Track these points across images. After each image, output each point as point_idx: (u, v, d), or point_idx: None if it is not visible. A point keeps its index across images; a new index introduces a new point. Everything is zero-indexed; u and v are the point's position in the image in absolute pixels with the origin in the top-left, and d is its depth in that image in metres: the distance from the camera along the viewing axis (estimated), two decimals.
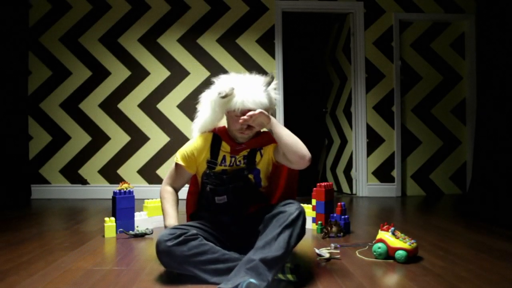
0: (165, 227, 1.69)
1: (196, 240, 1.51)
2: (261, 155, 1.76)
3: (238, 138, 1.71)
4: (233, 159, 1.74)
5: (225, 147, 1.74)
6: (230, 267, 1.46)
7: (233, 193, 1.72)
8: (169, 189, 1.80)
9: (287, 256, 1.46)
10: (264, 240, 1.46)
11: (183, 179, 1.80)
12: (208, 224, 1.71)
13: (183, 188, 1.84)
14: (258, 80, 1.68)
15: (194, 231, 1.55)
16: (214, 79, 1.74)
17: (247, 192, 1.74)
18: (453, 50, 4.46)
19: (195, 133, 1.80)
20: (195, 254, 1.48)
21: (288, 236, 1.47)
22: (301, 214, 1.54)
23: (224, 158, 1.74)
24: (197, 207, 1.85)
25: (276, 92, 1.74)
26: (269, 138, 1.77)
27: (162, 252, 1.48)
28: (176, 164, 1.77)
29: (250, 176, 1.75)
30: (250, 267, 1.37)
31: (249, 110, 1.59)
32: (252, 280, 1.30)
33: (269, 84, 1.67)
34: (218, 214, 1.75)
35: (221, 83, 1.67)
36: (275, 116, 1.72)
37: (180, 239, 1.48)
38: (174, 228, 1.54)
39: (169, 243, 1.47)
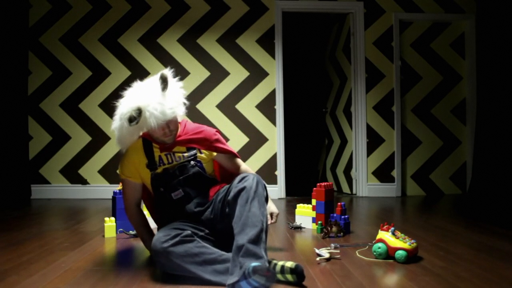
0: (148, 248, 1.82)
1: (192, 242, 1.52)
2: (200, 152, 1.81)
3: (165, 141, 1.74)
4: (169, 156, 1.76)
5: (156, 147, 1.77)
6: (228, 268, 1.46)
7: (186, 184, 1.73)
8: (132, 209, 1.82)
9: (266, 223, 1.51)
10: (239, 223, 1.48)
11: (136, 191, 1.81)
12: (188, 221, 1.72)
13: None
14: (156, 86, 1.66)
15: (188, 231, 1.56)
16: (116, 103, 1.74)
17: (199, 180, 1.76)
18: (453, 50, 4.46)
19: (122, 146, 1.79)
20: (192, 254, 1.48)
21: (258, 207, 1.51)
22: (259, 182, 1.58)
23: (160, 158, 1.75)
24: (158, 213, 1.86)
25: (178, 84, 1.75)
26: (198, 139, 1.80)
27: (159, 254, 1.48)
28: (122, 181, 1.80)
29: (195, 167, 1.76)
30: (243, 253, 1.39)
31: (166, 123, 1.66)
32: (253, 264, 1.32)
33: (165, 86, 1.66)
34: (182, 210, 1.73)
35: (125, 107, 1.65)
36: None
37: (177, 239, 1.49)
38: (169, 229, 1.55)
39: (166, 244, 1.47)
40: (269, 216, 1.86)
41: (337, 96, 4.83)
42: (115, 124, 1.72)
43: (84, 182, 4.11)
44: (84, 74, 4.12)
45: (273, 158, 4.19)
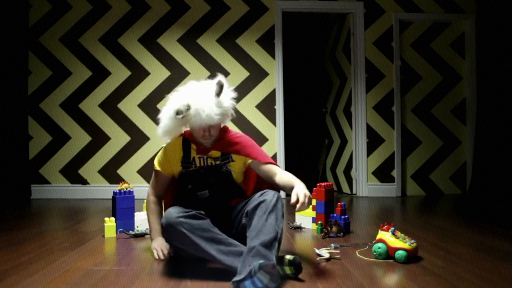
0: (152, 240, 1.89)
1: (204, 219, 1.61)
2: (233, 160, 1.85)
3: (203, 143, 1.81)
4: (202, 159, 1.83)
5: (194, 149, 1.84)
6: (232, 251, 1.55)
7: (214, 187, 1.81)
8: (153, 199, 1.91)
9: (280, 236, 1.55)
10: (255, 229, 1.52)
11: (163, 184, 1.90)
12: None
13: None
14: (210, 89, 1.72)
15: (202, 211, 1.65)
16: (169, 95, 1.80)
17: (227, 186, 1.83)
18: (453, 50, 4.46)
19: (163, 137, 1.85)
20: (202, 229, 1.57)
21: (274, 219, 1.55)
22: (279, 199, 1.63)
23: (193, 159, 1.83)
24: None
25: (231, 94, 1.80)
26: (234, 143, 1.85)
27: (172, 224, 1.57)
28: (155, 171, 1.89)
29: (226, 170, 1.83)
30: (253, 254, 1.43)
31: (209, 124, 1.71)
32: (261, 261, 1.34)
33: (219, 93, 1.72)
34: (202, 208, 1.77)
35: (177, 100, 1.73)
36: (229, 116, 1.84)
37: (191, 213, 1.59)
38: (182, 207, 1.64)
39: (180, 215, 1.57)
40: (294, 197, 1.55)
41: (337, 96, 4.83)
42: (164, 114, 1.77)
43: (84, 182, 4.11)
44: (84, 74, 4.12)
45: (273, 158, 4.19)
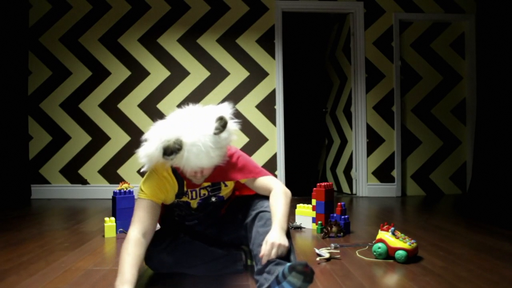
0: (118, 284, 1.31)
1: (184, 243, 1.57)
2: (225, 185, 1.64)
3: (192, 180, 1.53)
4: (194, 193, 1.60)
5: (185, 183, 1.58)
6: (218, 263, 1.58)
7: (203, 217, 1.68)
8: (135, 237, 1.39)
9: (292, 245, 1.44)
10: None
11: (154, 216, 1.48)
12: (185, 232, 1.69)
13: None
14: (208, 123, 1.39)
15: (181, 234, 1.61)
16: (155, 124, 1.46)
17: (215, 210, 1.69)
18: (453, 50, 4.46)
19: (149, 163, 1.48)
20: (184, 257, 1.55)
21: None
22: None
23: (186, 192, 1.60)
24: (164, 223, 1.76)
25: (233, 127, 1.49)
26: (226, 172, 1.57)
27: (154, 261, 1.54)
28: (143, 201, 1.47)
29: (216, 201, 1.67)
30: (275, 263, 1.31)
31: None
32: (289, 264, 1.22)
33: (220, 132, 1.39)
34: (190, 229, 1.70)
35: (168, 132, 1.38)
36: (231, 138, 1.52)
37: (171, 245, 1.55)
38: (161, 233, 1.59)
39: (160, 251, 1.53)
40: (263, 245, 1.35)
41: (337, 96, 4.83)
42: (150, 142, 1.42)
43: (84, 182, 4.11)
44: (84, 74, 4.12)
45: (273, 158, 4.19)
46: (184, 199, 1.61)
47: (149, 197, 1.48)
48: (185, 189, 1.58)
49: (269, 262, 1.32)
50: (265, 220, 1.48)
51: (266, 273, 1.33)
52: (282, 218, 1.41)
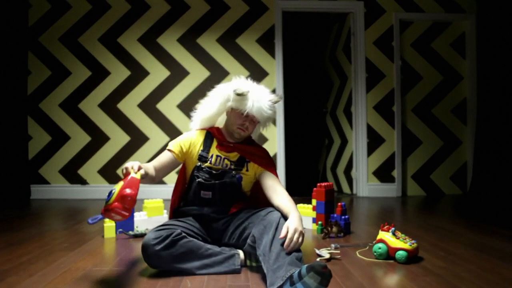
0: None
1: (182, 239, 1.58)
2: (247, 169, 1.83)
3: (235, 134, 1.82)
4: (219, 159, 1.81)
5: (215, 145, 1.84)
6: (215, 261, 1.60)
7: (218, 189, 1.77)
8: (152, 166, 1.75)
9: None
10: (274, 257, 1.39)
11: (168, 167, 1.82)
12: (191, 218, 1.79)
13: (169, 188, 1.85)
14: (268, 94, 1.83)
15: (178, 230, 1.61)
16: (233, 78, 1.87)
17: (231, 191, 1.80)
18: (454, 50, 4.46)
19: (195, 124, 1.91)
20: (182, 253, 1.56)
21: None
22: (281, 218, 1.55)
23: (212, 156, 1.82)
24: (183, 200, 1.89)
25: (276, 109, 1.89)
26: (254, 152, 1.86)
27: (151, 256, 1.55)
28: (167, 151, 1.83)
29: (234, 178, 1.80)
30: (290, 261, 1.34)
31: (251, 116, 1.78)
32: (306, 265, 1.23)
33: (276, 102, 1.84)
34: (202, 209, 1.79)
35: (239, 83, 1.81)
36: (269, 123, 1.94)
37: (167, 241, 1.55)
38: (159, 230, 1.60)
39: (157, 247, 1.53)
40: (284, 230, 1.44)
41: (337, 96, 4.82)
42: (208, 100, 1.86)
43: (83, 182, 4.11)
44: (84, 74, 4.12)
45: (273, 158, 4.19)
46: (207, 164, 1.79)
47: (170, 147, 1.83)
48: (211, 152, 1.81)
49: (281, 258, 1.35)
50: (273, 230, 1.49)
51: (277, 270, 1.33)
52: (297, 211, 1.57)
